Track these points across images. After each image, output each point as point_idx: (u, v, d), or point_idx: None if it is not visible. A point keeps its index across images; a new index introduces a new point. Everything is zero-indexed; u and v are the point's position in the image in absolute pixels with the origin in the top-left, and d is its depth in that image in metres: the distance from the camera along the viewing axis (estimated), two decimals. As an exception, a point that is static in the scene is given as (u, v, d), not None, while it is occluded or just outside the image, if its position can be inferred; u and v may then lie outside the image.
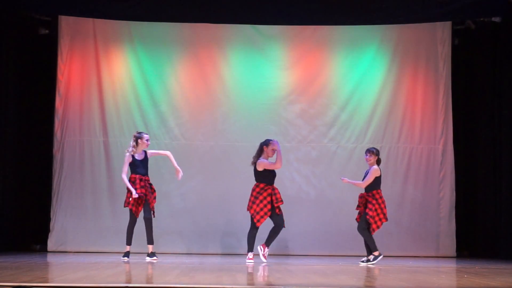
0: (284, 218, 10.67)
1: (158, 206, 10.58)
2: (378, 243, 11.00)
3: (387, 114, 11.17)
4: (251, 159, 9.07)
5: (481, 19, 10.82)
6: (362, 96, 11.18)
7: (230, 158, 11.01)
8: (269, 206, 8.91)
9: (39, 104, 11.05)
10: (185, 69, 11.23)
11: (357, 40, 11.23)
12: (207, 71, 11.18)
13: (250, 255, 8.94)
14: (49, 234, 10.76)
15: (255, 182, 9.02)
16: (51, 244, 10.71)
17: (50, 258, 9.39)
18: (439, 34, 11.22)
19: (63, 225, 10.78)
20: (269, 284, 5.93)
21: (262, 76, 11.18)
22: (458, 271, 7.95)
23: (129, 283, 5.78)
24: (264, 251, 8.92)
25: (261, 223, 8.91)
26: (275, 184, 9.11)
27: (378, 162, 9.22)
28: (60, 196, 10.84)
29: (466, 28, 11.21)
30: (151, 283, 5.90)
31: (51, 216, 10.81)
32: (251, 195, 9.00)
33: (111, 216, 10.84)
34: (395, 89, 11.21)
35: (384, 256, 10.77)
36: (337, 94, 11.21)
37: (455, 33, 11.29)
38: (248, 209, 9.01)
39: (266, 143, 8.95)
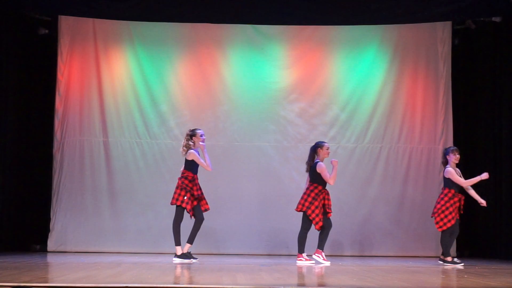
0: (284, 217, 10.73)
1: (158, 206, 10.62)
2: (378, 243, 11.04)
3: (387, 114, 11.18)
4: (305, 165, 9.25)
5: (481, 19, 10.82)
6: (362, 96, 11.19)
7: (230, 157, 11.02)
8: (322, 210, 9.03)
9: (39, 104, 11.05)
10: (185, 69, 11.23)
11: (357, 40, 11.24)
12: (207, 71, 11.19)
13: (305, 255, 9.00)
14: (49, 234, 10.76)
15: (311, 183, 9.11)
16: (51, 244, 10.71)
17: (50, 258, 9.39)
18: (439, 34, 11.23)
19: (63, 225, 10.79)
20: (271, 285, 5.94)
21: (262, 76, 11.19)
22: (458, 271, 7.95)
23: (129, 283, 5.78)
24: (322, 256, 8.97)
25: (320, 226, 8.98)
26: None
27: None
28: (60, 196, 10.84)
29: (466, 28, 11.21)
30: (151, 283, 5.90)
31: (51, 216, 10.82)
32: (309, 195, 9.03)
33: (111, 216, 10.85)
34: (395, 89, 11.22)
35: (384, 256, 10.80)
36: (337, 94, 11.22)
37: (455, 33, 11.29)
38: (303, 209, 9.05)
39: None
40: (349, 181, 10.99)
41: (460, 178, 9.05)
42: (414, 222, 11.02)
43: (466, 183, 9.07)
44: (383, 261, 9.69)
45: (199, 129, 9.11)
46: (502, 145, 10.53)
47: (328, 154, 9.20)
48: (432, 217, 9.19)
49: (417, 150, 11.18)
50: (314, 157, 9.17)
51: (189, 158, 8.92)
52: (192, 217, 8.98)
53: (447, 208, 8.99)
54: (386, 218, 11.05)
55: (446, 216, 8.98)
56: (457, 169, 9.21)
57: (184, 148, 8.99)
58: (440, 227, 9.01)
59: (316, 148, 9.19)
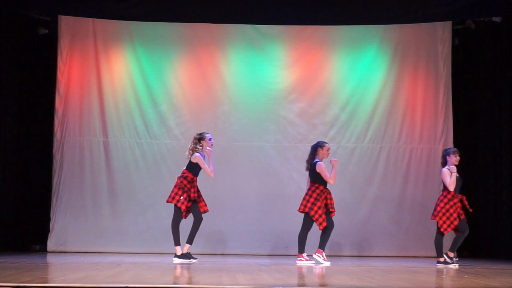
0: (283, 217, 10.72)
1: (158, 206, 10.61)
2: (378, 243, 11.04)
3: (387, 114, 11.18)
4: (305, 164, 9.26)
5: (481, 19, 10.82)
6: (362, 96, 11.19)
7: (230, 157, 11.01)
8: (325, 210, 9.01)
9: (39, 104, 11.05)
10: (185, 69, 11.23)
11: (357, 40, 11.24)
12: (207, 71, 11.18)
13: (305, 256, 9.00)
14: (49, 234, 10.76)
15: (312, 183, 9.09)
16: (51, 244, 10.70)
17: (50, 258, 9.39)
18: (439, 34, 11.23)
19: (63, 225, 10.78)
20: (271, 285, 5.93)
21: (262, 76, 11.19)
22: (458, 271, 7.95)
23: (129, 283, 5.78)
24: (323, 256, 8.97)
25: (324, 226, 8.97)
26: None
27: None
28: (60, 196, 10.84)
29: (466, 28, 11.20)
30: (151, 283, 5.90)
31: (51, 216, 10.81)
32: (310, 196, 9.02)
33: (111, 216, 10.85)
34: (395, 89, 11.21)
35: (384, 256, 10.80)
36: (337, 94, 11.22)
37: (455, 33, 11.29)
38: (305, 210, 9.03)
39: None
40: (349, 181, 10.99)
41: (449, 181, 8.98)
42: (414, 222, 11.02)
43: (452, 186, 9.01)
44: (383, 261, 9.69)
45: (207, 133, 9.11)
46: (502, 145, 10.52)
47: (328, 154, 9.20)
48: (432, 219, 9.17)
49: (417, 150, 11.17)
50: (314, 156, 9.17)
51: (194, 161, 8.91)
52: (185, 217, 8.99)
53: (447, 210, 8.97)
54: (386, 218, 11.05)
55: (448, 218, 8.96)
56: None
57: (190, 151, 8.97)
58: (445, 229, 8.98)
59: (316, 148, 9.19)
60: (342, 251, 10.92)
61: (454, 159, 9.10)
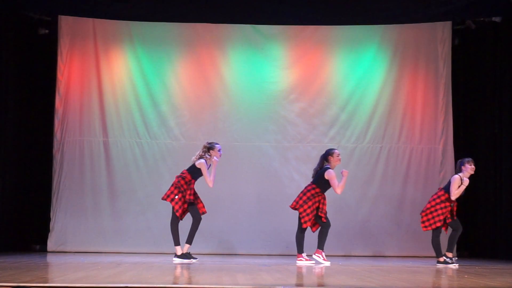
0: (283, 217, 10.71)
1: (158, 205, 10.60)
2: (378, 243, 11.04)
3: (387, 114, 11.18)
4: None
5: (481, 19, 10.82)
6: (362, 96, 11.19)
7: (230, 157, 10.99)
8: (315, 212, 8.98)
9: (39, 104, 11.05)
10: (185, 69, 11.23)
11: (357, 40, 11.24)
12: (207, 71, 11.19)
13: (304, 255, 9.00)
14: (49, 234, 10.76)
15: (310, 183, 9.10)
16: (51, 244, 10.71)
17: (50, 258, 9.39)
18: (439, 34, 11.23)
19: (63, 225, 10.79)
20: (271, 285, 5.93)
21: (262, 76, 11.19)
22: (458, 271, 7.95)
23: (129, 283, 5.78)
24: (323, 256, 8.95)
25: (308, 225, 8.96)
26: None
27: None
28: (60, 196, 10.84)
29: (466, 28, 11.21)
30: (151, 283, 5.90)
31: (51, 216, 10.81)
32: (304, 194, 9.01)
33: (111, 216, 10.85)
34: (395, 89, 11.22)
35: (384, 256, 10.80)
36: (337, 93, 11.22)
37: (455, 33, 11.29)
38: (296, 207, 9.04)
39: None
40: (349, 181, 10.87)
41: (455, 191, 8.93)
42: (414, 222, 10.98)
43: (455, 196, 8.95)
44: (383, 261, 9.69)
45: (217, 143, 9.10)
46: (502, 145, 10.53)
47: (340, 160, 9.12)
48: (421, 215, 9.13)
49: (417, 150, 11.17)
50: (323, 165, 9.10)
51: (198, 166, 8.92)
52: (181, 219, 9.00)
53: (436, 210, 8.93)
54: (386, 218, 11.05)
55: (433, 217, 8.91)
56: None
57: (198, 157, 8.98)
58: (425, 226, 8.95)
59: (327, 156, 9.11)
60: (342, 251, 10.91)
61: (469, 168, 8.98)
